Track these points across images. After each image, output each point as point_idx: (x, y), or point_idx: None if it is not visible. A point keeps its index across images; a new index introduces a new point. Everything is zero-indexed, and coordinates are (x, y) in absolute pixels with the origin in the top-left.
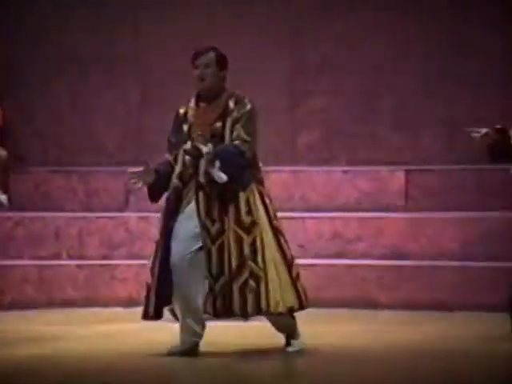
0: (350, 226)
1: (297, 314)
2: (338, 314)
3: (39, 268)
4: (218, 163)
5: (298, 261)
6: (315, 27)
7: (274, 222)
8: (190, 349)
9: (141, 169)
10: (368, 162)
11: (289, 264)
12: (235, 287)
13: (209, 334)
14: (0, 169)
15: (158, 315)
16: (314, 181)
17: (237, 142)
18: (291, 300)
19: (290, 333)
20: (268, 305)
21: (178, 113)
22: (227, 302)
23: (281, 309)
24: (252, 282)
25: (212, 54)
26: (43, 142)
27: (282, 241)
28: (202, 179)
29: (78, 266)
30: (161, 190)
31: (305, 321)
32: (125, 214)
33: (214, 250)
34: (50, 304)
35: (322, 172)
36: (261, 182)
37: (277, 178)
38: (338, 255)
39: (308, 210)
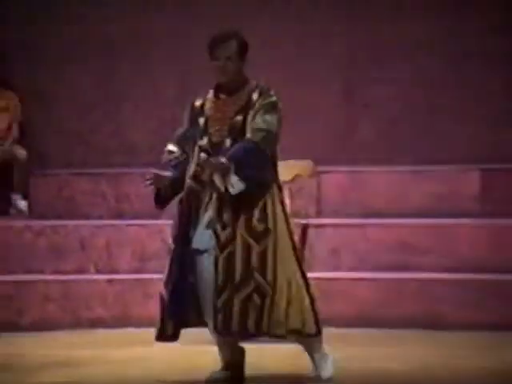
0: (416, 235)
1: (353, 336)
2: (402, 335)
3: (63, 284)
4: (233, 170)
5: (357, 274)
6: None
7: (292, 232)
8: (233, 374)
9: (163, 174)
10: (436, 161)
11: (307, 282)
12: (236, 301)
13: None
14: (18, 171)
15: (175, 335)
16: (373, 183)
17: (254, 135)
18: (297, 323)
19: (315, 355)
20: (269, 325)
21: (193, 105)
22: (227, 317)
23: (281, 331)
24: (256, 298)
25: (234, 44)
26: (67, 139)
27: (301, 255)
28: (219, 188)
29: (107, 282)
30: (170, 195)
31: (363, 342)
32: (159, 222)
33: (221, 259)
34: (76, 324)
35: (382, 173)
36: (279, 185)
37: (331, 179)
38: (403, 268)
39: (368, 216)
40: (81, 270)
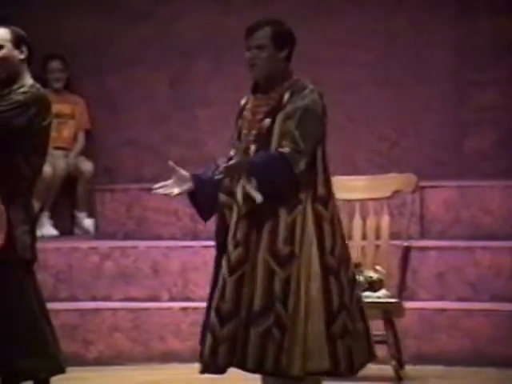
0: None
1: (463, 374)
2: None
3: (133, 312)
4: (254, 182)
5: (467, 304)
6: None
7: (329, 258)
8: None
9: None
10: None
11: (332, 317)
12: (253, 334)
13: None
14: (83, 186)
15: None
16: (486, 200)
17: (285, 150)
18: (316, 362)
19: None
20: (288, 364)
21: (239, 104)
22: (239, 351)
23: (297, 372)
24: (276, 332)
25: (267, 30)
26: (137, 150)
27: (334, 286)
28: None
29: (183, 310)
30: (209, 202)
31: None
32: None
33: (230, 281)
34: (148, 358)
35: (498, 188)
36: (323, 201)
37: (438, 195)
38: None
39: (478, 238)
40: (152, 297)
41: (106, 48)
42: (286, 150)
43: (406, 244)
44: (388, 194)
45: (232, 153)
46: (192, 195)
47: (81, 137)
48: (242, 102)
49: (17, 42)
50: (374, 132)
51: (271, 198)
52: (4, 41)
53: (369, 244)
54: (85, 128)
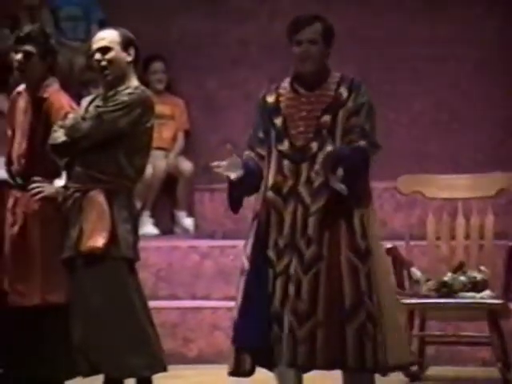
0: None
1: None
2: None
3: (232, 311)
4: (340, 172)
5: None
6: None
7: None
8: None
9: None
10: None
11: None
12: (350, 331)
13: None
14: (183, 186)
15: (251, 369)
16: None
17: (363, 144)
18: (402, 353)
19: None
20: (384, 358)
21: (264, 100)
22: (334, 350)
23: (392, 365)
24: (370, 326)
25: (318, 26)
26: (236, 151)
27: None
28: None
29: None
30: (244, 192)
31: None
32: None
33: (305, 281)
34: None
35: None
36: (371, 197)
37: None
38: None
39: None
40: None
41: (207, 49)
42: (362, 143)
43: (511, 244)
44: (492, 192)
45: (261, 150)
46: (233, 183)
47: (180, 137)
48: (270, 98)
49: (125, 45)
50: (480, 131)
51: (353, 190)
52: (113, 43)
53: (472, 244)
54: (184, 129)
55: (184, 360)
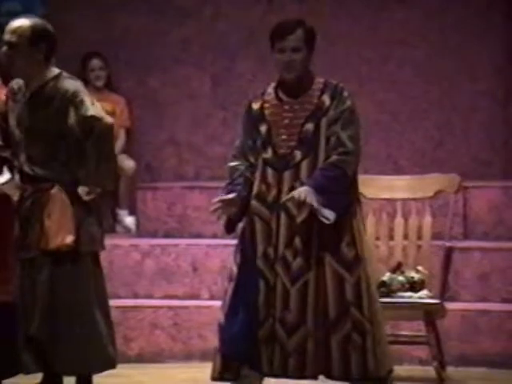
0: None
1: (503, 377)
2: None
3: (173, 310)
4: (321, 201)
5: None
6: None
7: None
8: None
9: (230, 196)
10: None
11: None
12: (334, 342)
13: None
14: (125, 184)
15: (236, 375)
16: None
17: (334, 158)
18: (390, 361)
19: None
20: (376, 366)
21: (250, 108)
22: (320, 360)
23: (384, 372)
24: (356, 336)
25: (300, 33)
26: (179, 149)
27: None
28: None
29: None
30: (239, 218)
31: None
32: None
33: (293, 291)
34: (188, 356)
35: None
36: (360, 201)
37: (481, 196)
38: None
39: None
40: (193, 295)
41: (149, 47)
42: (333, 158)
43: (448, 244)
44: (430, 194)
45: (252, 159)
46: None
47: (121, 135)
48: (255, 105)
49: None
50: (418, 131)
51: (338, 208)
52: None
53: (410, 244)
54: (125, 126)
55: (124, 359)
